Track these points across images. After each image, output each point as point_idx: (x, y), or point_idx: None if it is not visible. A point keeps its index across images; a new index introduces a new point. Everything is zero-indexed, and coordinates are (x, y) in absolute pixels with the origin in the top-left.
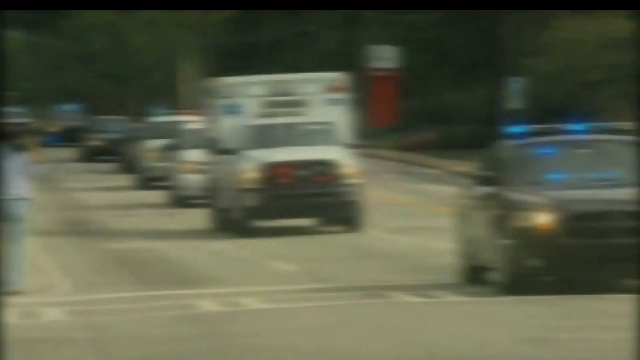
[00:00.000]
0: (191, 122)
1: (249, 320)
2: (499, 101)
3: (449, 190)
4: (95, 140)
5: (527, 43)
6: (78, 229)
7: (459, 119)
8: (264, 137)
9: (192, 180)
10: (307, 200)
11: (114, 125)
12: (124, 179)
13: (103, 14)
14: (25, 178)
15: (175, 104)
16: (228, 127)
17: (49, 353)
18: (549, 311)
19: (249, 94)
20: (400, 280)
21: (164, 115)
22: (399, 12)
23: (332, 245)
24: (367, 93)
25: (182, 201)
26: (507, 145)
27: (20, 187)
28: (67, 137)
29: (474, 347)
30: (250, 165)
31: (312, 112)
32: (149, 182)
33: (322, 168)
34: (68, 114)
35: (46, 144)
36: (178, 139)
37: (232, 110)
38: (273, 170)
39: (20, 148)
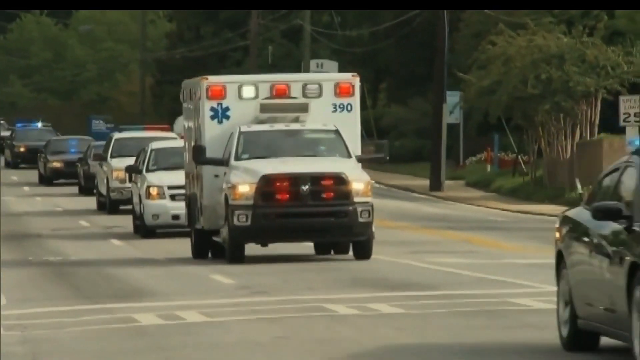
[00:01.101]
0: (158, 139)
1: (189, 333)
2: (439, 115)
3: (388, 204)
4: (56, 162)
5: (466, 58)
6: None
7: (399, 133)
8: (259, 145)
9: (157, 206)
10: (310, 220)
11: (73, 145)
12: (85, 202)
13: (44, 28)
14: None
15: (116, 116)
16: (215, 134)
17: None
18: (487, 322)
19: (241, 95)
20: (339, 293)
21: (130, 131)
22: (339, 27)
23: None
24: None
25: (148, 230)
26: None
27: None
28: (27, 158)
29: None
30: (243, 178)
31: (315, 118)
32: (115, 205)
33: (329, 183)
34: (28, 132)
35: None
36: (142, 160)
37: (221, 114)
38: (270, 185)
39: None
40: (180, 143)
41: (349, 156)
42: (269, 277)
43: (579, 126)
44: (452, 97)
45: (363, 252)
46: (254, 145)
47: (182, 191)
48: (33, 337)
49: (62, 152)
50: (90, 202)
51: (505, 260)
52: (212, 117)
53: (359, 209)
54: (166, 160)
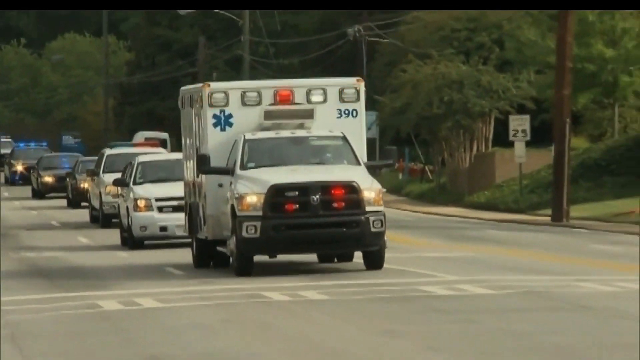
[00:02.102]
0: (145, 154)
1: (146, 317)
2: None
3: None
4: (48, 177)
5: (381, 83)
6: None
7: None
8: (265, 153)
9: (144, 218)
10: (321, 231)
11: (64, 161)
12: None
13: (21, 57)
14: None
15: (84, 133)
16: (218, 141)
17: None
18: (400, 307)
19: (244, 102)
20: (274, 282)
21: (121, 147)
22: (274, 57)
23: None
24: None
25: (136, 242)
26: None
27: None
28: (25, 176)
29: (342, 341)
30: (251, 188)
31: (320, 124)
32: (108, 219)
33: (340, 192)
34: (26, 151)
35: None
36: (129, 173)
37: (223, 121)
38: (279, 195)
39: None
40: (167, 157)
41: (358, 163)
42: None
43: (476, 141)
44: (370, 116)
45: (375, 262)
46: (260, 154)
47: (170, 203)
48: (8, 321)
49: (53, 167)
50: (80, 214)
51: (414, 254)
52: (215, 125)
53: (371, 219)
54: (153, 173)
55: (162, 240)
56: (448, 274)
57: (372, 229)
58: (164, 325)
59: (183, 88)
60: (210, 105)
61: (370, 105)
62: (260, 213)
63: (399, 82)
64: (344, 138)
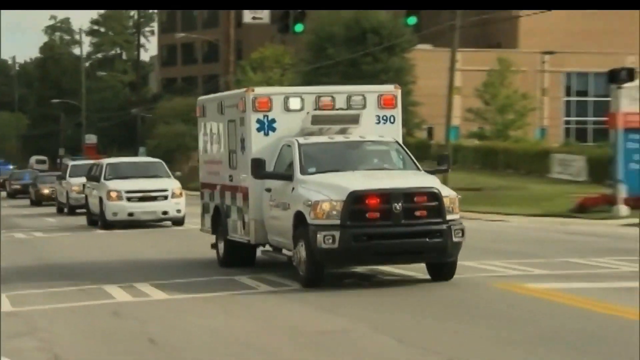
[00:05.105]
0: (106, 161)
1: (149, 307)
2: None
3: None
4: (16, 185)
5: None
6: None
7: None
8: (321, 158)
9: (116, 206)
10: (404, 242)
11: (27, 175)
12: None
13: None
14: None
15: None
16: (262, 146)
17: None
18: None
19: (287, 107)
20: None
21: (80, 160)
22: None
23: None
24: None
25: (108, 224)
26: None
27: None
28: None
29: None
30: (327, 194)
31: (362, 130)
32: (73, 209)
33: (422, 199)
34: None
35: None
36: (98, 172)
37: (267, 126)
38: (360, 202)
39: None
40: (127, 160)
41: (418, 169)
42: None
43: None
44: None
45: (446, 273)
46: (317, 159)
47: (136, 194)
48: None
49: (20, 179)
50: (43, 210)
51: None
52: (259, 130)
53: (453, 228)
54: (118, 172)
55: (130, 222)
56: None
57: (454, 239)
58: (165, 315)
59: (200, 98)
60: (254, 110)
61: None
62: (337, 221)
63: None
64: (398, 143)
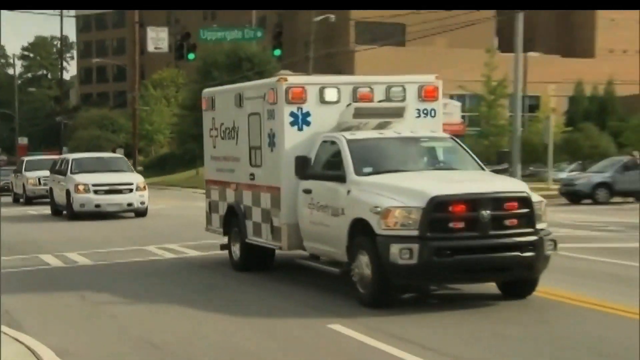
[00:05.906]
0: (71, 156)
1: (80, 273)
2: None
3: None
4: None
5: None
6: None
7: None
8: (374, 157)
9: (83, 198)
10: (494, 256)
11: None
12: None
13: None
14: None
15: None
16: (296, 142)
17: None
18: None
19: (323, 99)
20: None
21: (34, 156)
22: None
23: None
24: None
25: (75, 215)
26: None
27: None
28: None
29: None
30: (400, 200)
31: (404, 124)
32: (30, 200)
33: (513, 206)
34: None
35: None
36: (64, 167)
37: (301, 120)
38: (443, 209)
39: None
40: (91, 155)
41: (482, 169)
42: (149, 236)
43: None
44: None
45: (526, 291)
46: (369, 157)
47: (102, 188)
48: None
49: None
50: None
51: None
52: (292, 124)
53: (545, 240)
54: (84, 167)
55: (96, 214)
56: None
57: (546, 252)
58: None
59: (207, 90)
60: (288, 102)
61: None
62: (416, 232)
63: None
64: (454, 140)
